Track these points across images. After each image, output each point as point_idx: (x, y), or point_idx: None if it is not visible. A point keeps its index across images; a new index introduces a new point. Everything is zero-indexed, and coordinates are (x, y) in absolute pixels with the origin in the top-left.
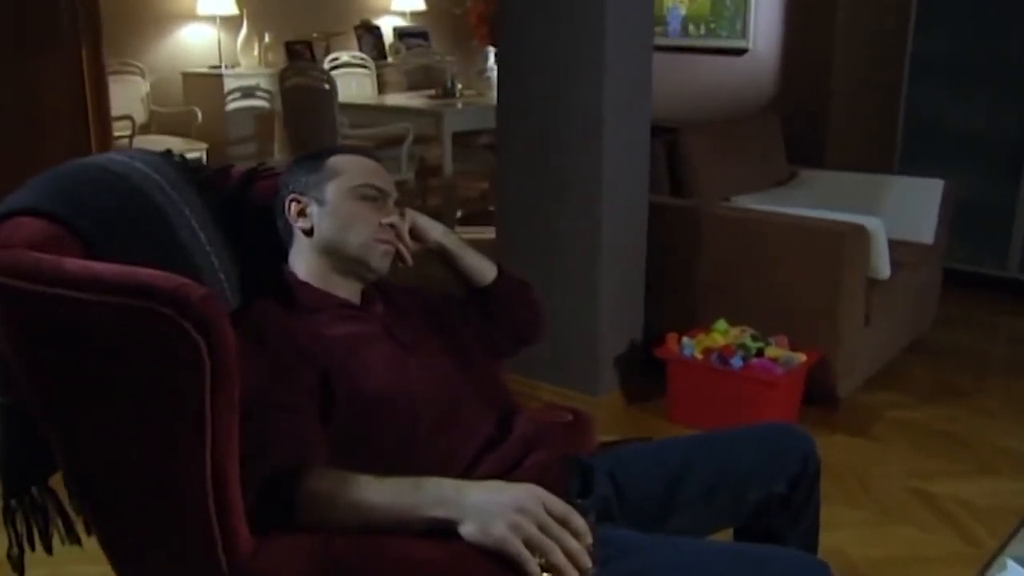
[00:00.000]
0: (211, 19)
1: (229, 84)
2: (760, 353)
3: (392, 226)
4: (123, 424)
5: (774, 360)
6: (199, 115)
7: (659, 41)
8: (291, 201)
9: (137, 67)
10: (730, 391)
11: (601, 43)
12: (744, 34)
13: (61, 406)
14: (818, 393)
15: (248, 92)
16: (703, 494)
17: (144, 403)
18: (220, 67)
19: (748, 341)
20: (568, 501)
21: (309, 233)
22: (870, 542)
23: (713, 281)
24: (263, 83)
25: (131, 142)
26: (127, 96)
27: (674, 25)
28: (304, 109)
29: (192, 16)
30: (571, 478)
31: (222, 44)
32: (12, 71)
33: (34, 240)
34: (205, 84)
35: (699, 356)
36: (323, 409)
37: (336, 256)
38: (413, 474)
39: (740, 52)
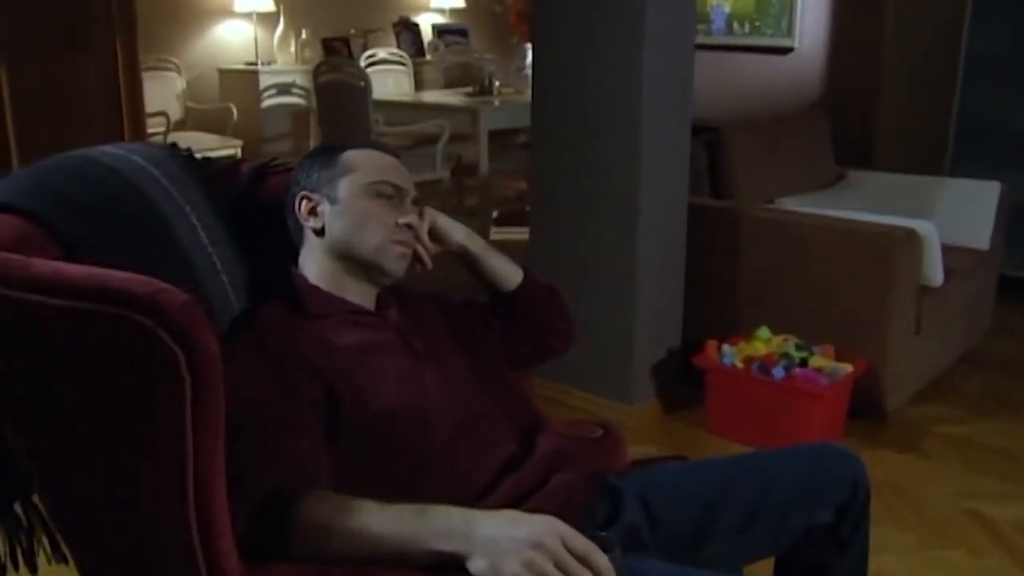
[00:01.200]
0: (248, 15)
1: (265, 81)
2: (804, 363)
3: (409, 226)
4: (94, 443)
5: (819, 371)
6: (234, 112)
7: (702, 40)
8: (301, 199)
9: (173, 63)
10: (772, 403)
11: (640, 40)
12: (790, 32)
13: (29, 421)
14: (865, 406)
15: (284, 89)
16: (742, 521)
17: (117, 421)
18: (256, 64)
19: (791, 350)
20: (593, 529)
21: (320, 233)
22: (918, 567)
23: (755, 287)
24: (299, 80)
25: (165, 139)
26: (163, 93)
27: (718, 23)
28: (338, 106)
29: (229, 12)
30: (598, 501)
31: (259, 41)
32: (47, 67)
33: (6, 239)
34: (241, 81)
35: (740, 365)
36: (327, 425)
37: (348, 258)
38: (425, 497)
39: (785, 51)
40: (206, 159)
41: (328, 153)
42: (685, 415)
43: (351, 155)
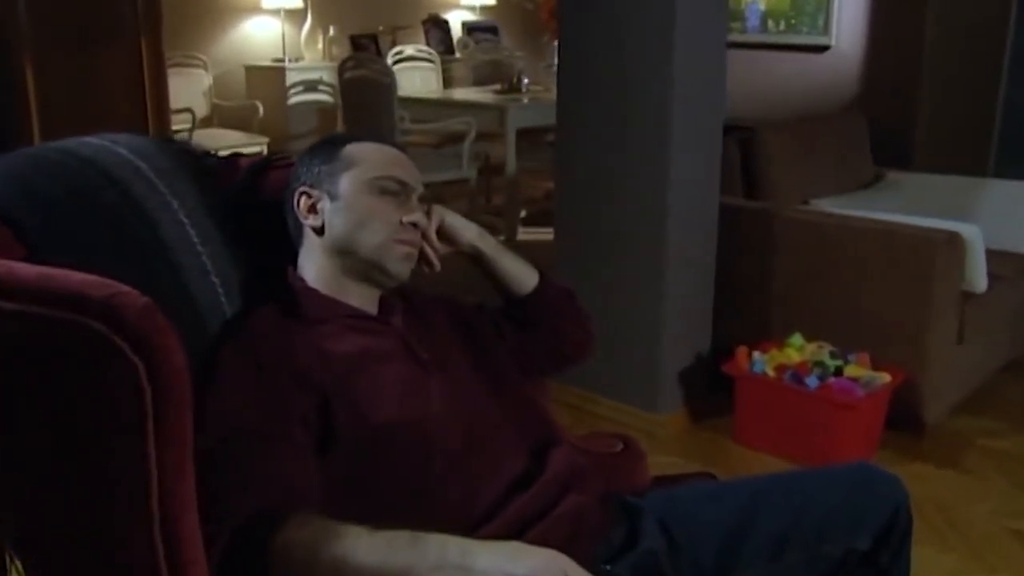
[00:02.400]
0: (276, 12)
1: (292, 78)
2: (839, 372)
3: (415, 225)
4: (46, 460)
5: (854, 380)
6: (261, 109)
7: (736, 38)
8: (301, 194)
9: (200, 60)
10: (804, 413)
11: (670, 38)
12: (826, 30)
13: None
14: (902, 418)
15: (311, 86)
16: (771, 548)
17: (71, 437)
18: (283, 60)
19: (826, 358)
20: (608, 554)
21: (320, 231)
22: None
23: (788, 291)
24: (326, 77)
25: (191, 135)
26: (189, 89)
27: (753, 21)
28: (363, 102)
29: (257, 9)
30: (614, 524)
31: (286, 37)
32: (71, 63)
33: None
34: (268, 77)
35: (771, 373)
36: (320, 439)
37: (349, 258)
38: (425, 518)
39: (821, 49)
40: (204, 153)
41: (330, 146)
42: (714, 424)
43: (354, 149)
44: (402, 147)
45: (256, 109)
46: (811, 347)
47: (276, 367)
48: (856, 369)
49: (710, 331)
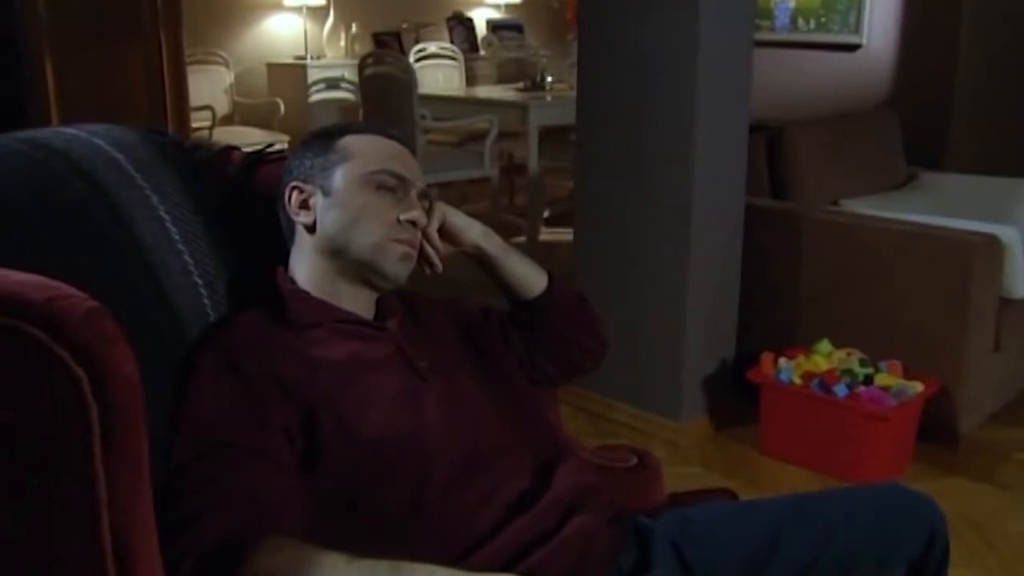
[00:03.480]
0: (298, 9)
1: (313, 75)
2: (869, 380)
3: (413, 223)
4: None
5: (885, 389)
6: (282, 107)
7: (766, 36)
8: (292, 189)
9: (221, 57)
10: (832, 423)
11: (696, 32)
12: (857, 28)
13: None
14: (935, 429)
15: (332, 84)
16: None
17: (10, 459)
18: (305, 58)
19: (855, 366)
20: None
21: (311, 229)
22: None
23: (817, 296)
24: (348, 74)
25: (211, 133)
26: (210, 86)
27: (782, 19)
28: (383, 99)
29: (279, 6)
30: (624, 548)
31: (308, 35)
32: (91, 60)
33: None
34: (289, 75)
35: (797, 381)
36: (304, 454)
37: (342, 258)
38: (417, 540)
39: (853, 48)
40: (195, 145)
41: (324, 139)
42: (737, 433)
43: (350, 141)
44: (402, 139)
45: (277, 107)
46: (840, 354)
47: (257, 376)
48: (887, 378)
49: (734, 336)
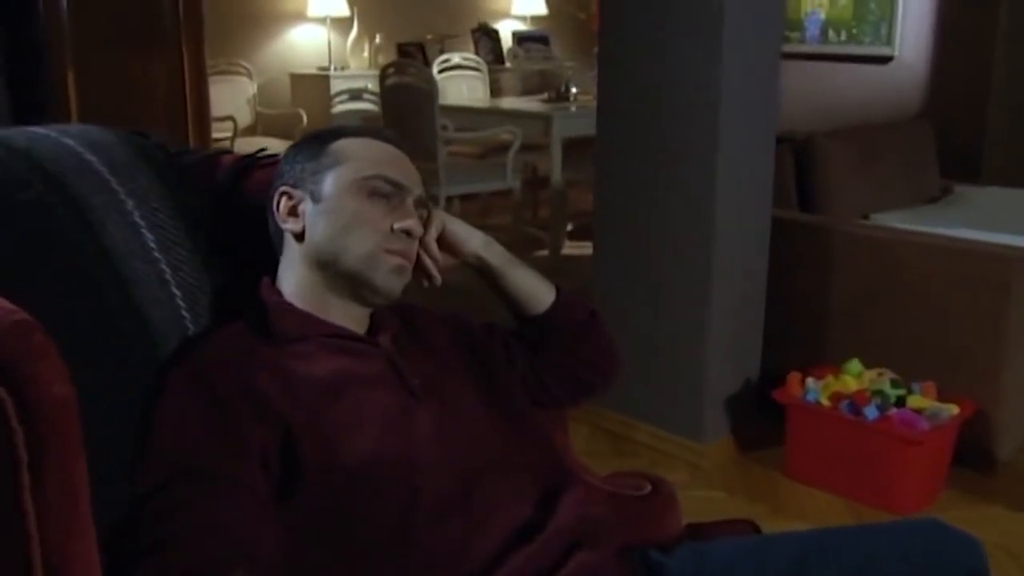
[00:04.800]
0: (322, 20)
1: (336, 86)
2: (901, 402)
3: (408, 233)
4: None
5: (918, 412)
6: (305, 117)
7: (796, 48)
8: (281, 195)
9: (245, 68)
10: (862, 447)
11: (718, 48)
12: (889, 40)
13: None
14: (971, 454)
15: (355, 95)
16: None
17: None
18: (328, 69)
19: (886, 387)
20: None
21: (300, 237)
22: None
23: (847, 313)
24: (371, 85)
25: (232, 143)
26: (233, 97)
27: (812, 31)
28: (403, 109)
29: (302, 17)
30: None
31: (332, 45)
32: (113, 69)
33: None
34: (312, 86)
35: (825, 402)
36: (283, 480)
37: (331, 270)
38: (407, 574)
39: (885, 60)
40: (183, 150)
41: (317, 142)
42: (762, 456)
43: (343, 144)
44: (398, 143)
45: (300, 117)
46: (870, 374)
47: (231, 394)
48: (920, 400)
49: (760, 354)
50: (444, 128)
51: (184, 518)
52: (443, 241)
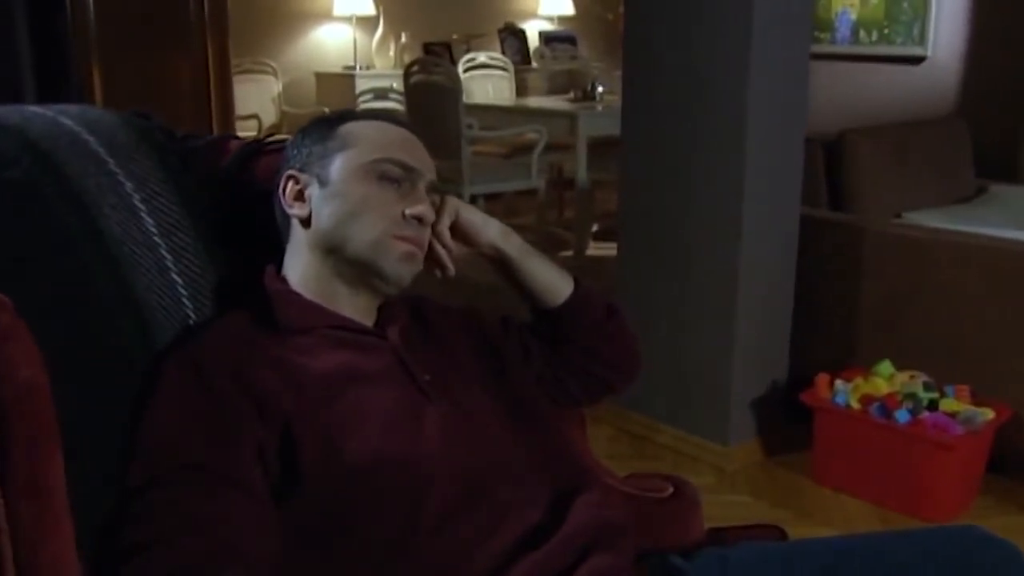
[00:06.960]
0: (347, 19)
1: (361, 85)
2: (933, 406)
3: (420, 219)
4: None
5: (951, 416)
6: None
7: (826, 48)
8: (288, 179)
9: (270, 67)
10: (893, 452)
11: (748, 43)
12: (922, 40)
13: None
14: (1007, 460)
15: (381, 94)
16: None
17: None
18: (354, 68)
19: (919, 390)
20: None
21: (306, 223)
22: None
23: (877, 314)
24: (396, 84)
25: None
26: (259, 96)
27: (843, 31)
28: (428, 107)
29: (328, 16)
30: None
31: (357, 44)
32: (138, 68)
33: None
34: (337, 85)
35: (855, 405)
36: (281, 478)
37: (338, 256)
38: None
39: (917, 60)
40: (188, 134)
41: (325, 125)
42: (789, 460)
43: (352, 127)
44: (411, 127)
45: None
46: (902, 377)
47: (230, 388)
48: (954, 403)
49: (787, 356)
50: (469, 127)
51: (173, 516)
52: (457, 230)
